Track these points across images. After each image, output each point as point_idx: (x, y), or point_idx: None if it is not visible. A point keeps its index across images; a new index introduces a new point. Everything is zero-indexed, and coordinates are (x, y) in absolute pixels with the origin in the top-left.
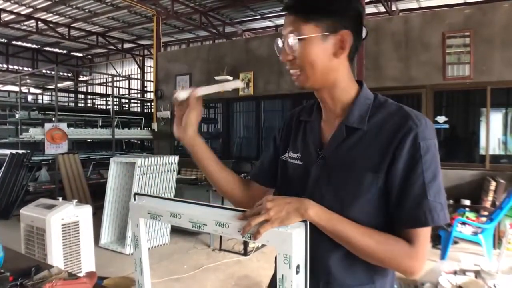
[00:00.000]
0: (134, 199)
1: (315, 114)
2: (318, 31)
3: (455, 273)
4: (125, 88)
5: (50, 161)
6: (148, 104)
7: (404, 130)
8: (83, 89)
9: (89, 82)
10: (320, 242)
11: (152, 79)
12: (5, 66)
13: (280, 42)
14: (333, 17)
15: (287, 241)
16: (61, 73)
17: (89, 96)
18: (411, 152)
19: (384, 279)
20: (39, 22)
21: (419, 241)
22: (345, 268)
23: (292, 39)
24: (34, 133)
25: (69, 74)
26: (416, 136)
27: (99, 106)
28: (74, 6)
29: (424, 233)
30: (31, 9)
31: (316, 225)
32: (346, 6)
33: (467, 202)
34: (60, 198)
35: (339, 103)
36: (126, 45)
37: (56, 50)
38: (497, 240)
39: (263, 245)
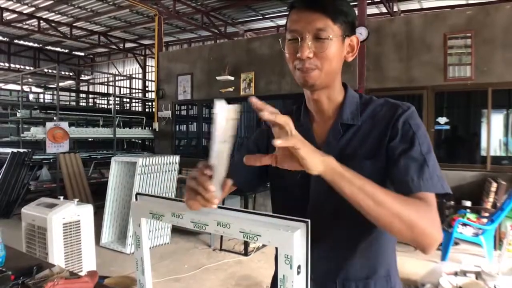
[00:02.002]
0: (136, 199)
1: (304, 118)
2: (340, 32)
3: (455, 274)
4: (126, 87)
5: (51, 160)
6: (150, 103)
7: (397, 114)
8: (85, 88)
9: (91, 81)
10: (335, 241)
11: (153, 79)
12: (7, 65)
13: (300, 38)
14: (350, 21)
15: (288, 241)
16: (63, 72)
17: (90, 96)
18: (405, 130)
19: (396, 270)
20: (41, 21)
21: (433, 204)
22: (361, 263)
23: (322, 37)
24: (35, 132)
25: (71, 73)
26: (406, 118)
27: (100, 106)
28: (76, 5)
29: (433, 199)
30: (33, 8)
31: (336, 180)
32: (355, 14)
33: (468, 203)
34: (61, 197)
35: (333, 104)
36: (128, 45)
37: (58, 49)
38: (498, 241)
39: (263, 245)
